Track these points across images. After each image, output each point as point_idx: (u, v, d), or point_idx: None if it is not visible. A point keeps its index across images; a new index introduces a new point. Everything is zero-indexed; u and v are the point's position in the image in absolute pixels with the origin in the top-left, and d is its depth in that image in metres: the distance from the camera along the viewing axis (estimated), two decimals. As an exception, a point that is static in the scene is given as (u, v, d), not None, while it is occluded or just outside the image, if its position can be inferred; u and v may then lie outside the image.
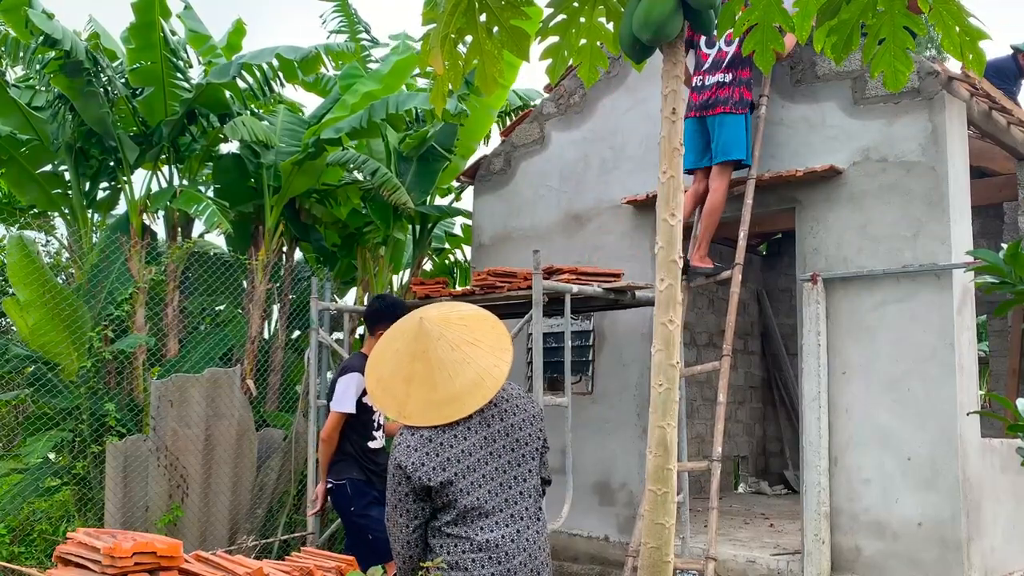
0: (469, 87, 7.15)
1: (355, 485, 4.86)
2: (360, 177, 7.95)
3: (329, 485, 4.97)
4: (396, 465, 2.70)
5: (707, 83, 5.78)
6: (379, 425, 5.05)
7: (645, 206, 6.51)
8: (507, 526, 2.69)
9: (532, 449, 2.81)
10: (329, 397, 5.06)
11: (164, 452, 6.23)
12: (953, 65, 5.81)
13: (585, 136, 7.08)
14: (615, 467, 6.61)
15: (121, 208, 8.24)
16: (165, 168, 8.04)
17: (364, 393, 4.87)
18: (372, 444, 4.97)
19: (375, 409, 4.97)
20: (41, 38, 6.56)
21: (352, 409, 4.83)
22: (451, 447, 2.67)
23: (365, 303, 8.28)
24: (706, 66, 5.80)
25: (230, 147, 8.36)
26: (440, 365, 2.67)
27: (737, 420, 9.70)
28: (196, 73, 7.96)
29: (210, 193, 8.09)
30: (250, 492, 6.70)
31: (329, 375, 7.06)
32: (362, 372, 4.85)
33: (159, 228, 8.04)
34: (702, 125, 5.84)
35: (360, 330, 8.51)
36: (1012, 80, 8.03)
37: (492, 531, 2.68)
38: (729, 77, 5.72)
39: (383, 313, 4.89)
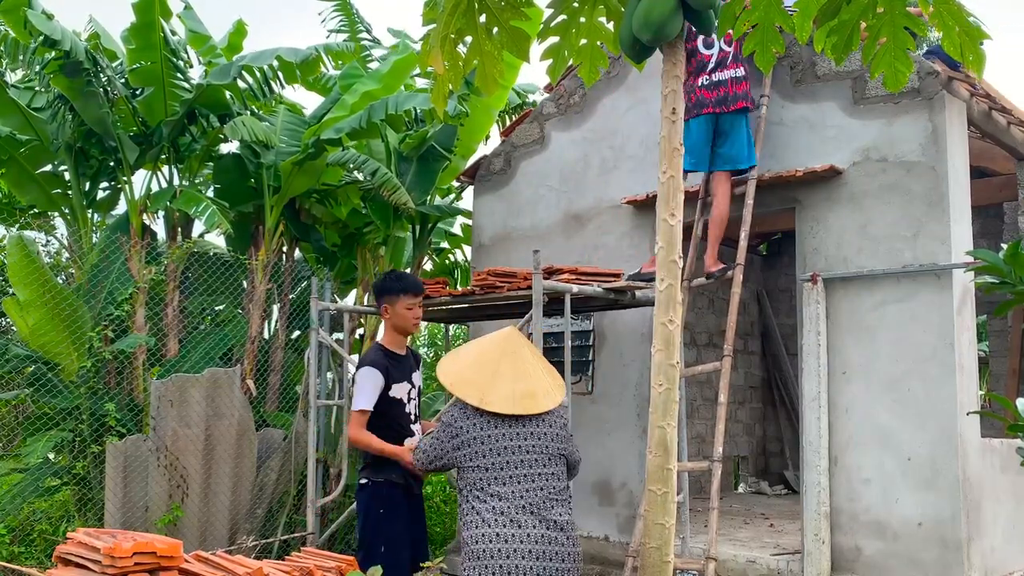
0: (469, 87, 7.14)
1: (391, 490, 4.42)
2: (360, 177, 7.95)
3: (364, 481, 4.52)
4: (450, 416, 3.35)
5: (718, 79, 5.63)
6: (415, 418, 4.61)
7: (645, 206, 6.50)
8: (532, 503, 3.14)
9: (558, 455, 3.32)
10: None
11: (164, 452, 6.23)
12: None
13: (585, 136, 7.08)
14: (615, 467, 6.61)
15: (121, 208, 8.25)
16: (165, 168, 8.05)
17: (388, 388, 4.46)
18: (409, 441, 4.44)
19: (406, 400, 4.55)
20: (41, 38, 6.56)
21: (369, 406, 4.39)
22: (490, 422, 3.25)
23: (365, 303, 8.29)
24: (711, 65, 5.69)
25: (230, 147, 8.37)
26: (524, 365, 3.34)
27: (737, 420, 9.70)
28: (196, 73, 7.98)
29: (210, 193, 8.10)
30: (250, 492, 6.70)
31: (329, 375, 7.06)
32: (374, 365, 4.41)
33: (159, 228, 8.06)
34: (713, 123, 5.68)
35: (360, 331, 8.52)
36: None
37: (523, 502, 3.12)
38: (742, 72, 5.64)
39: (392, 284, 4.62)
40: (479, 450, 3.21)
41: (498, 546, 2.99)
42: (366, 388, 4.39)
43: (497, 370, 3.31)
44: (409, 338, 4.83)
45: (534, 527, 3.05)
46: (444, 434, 3.35)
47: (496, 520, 3.05)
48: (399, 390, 4.50)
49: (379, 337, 4.83)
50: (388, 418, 4.45)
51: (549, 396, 3.34)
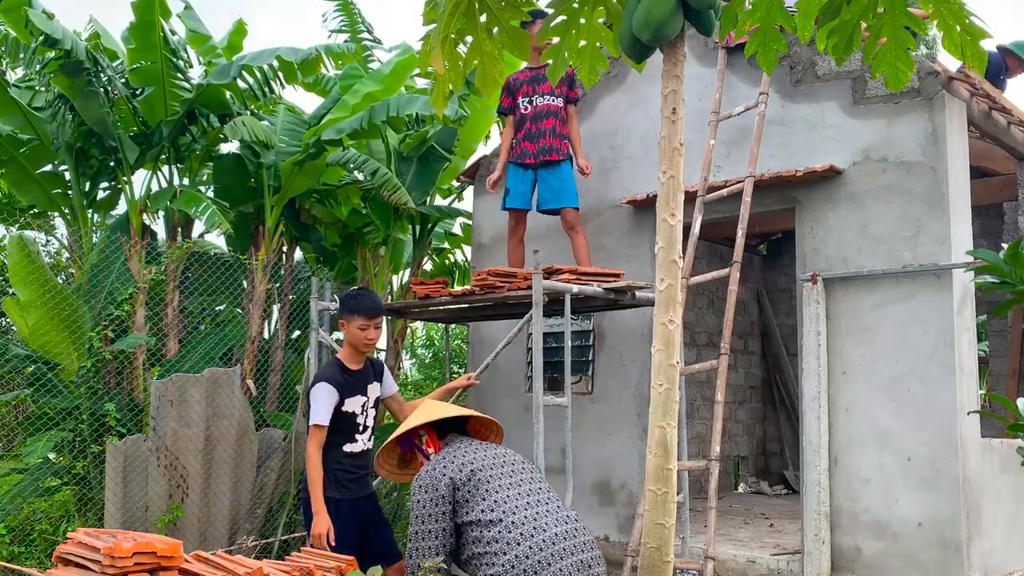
0: (469, 87, 7.14)
1: (334, 505, 4.60)
2: (360, 177, 7.95)
3: (303, 495, 4.72)
4: (419, 487, 3.22)
5: (541, 130, 6.30)
6: (364, 427, 4.80)
7: (645, 206, 6.51)
8: (538, 505, 3.15)
9: (532, 466, 3.43)
10: (305, 412, 4.81)
11: (164, 452, 6.23)
12: (952, 64, 5.81)
13: (585, 136, 7.07)
14: (615, 467, 6.61)
15: (121, 208, 8.25)
16: (165, 168, 8.05)
17: (342, 402, 4.65)
18: (350, 447, 4.72)
19: (358, 412, 4.75)
20: (41, 38, 6.56)
21: (325, 421, 4.58)
22: (466, 454, 3.26)
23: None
24: (536, 115, 6.34)
25: (230, 147, 8.37)
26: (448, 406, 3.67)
27: (737, 420, 9.70)
28: (196, 73, 7.98)
29: (210, 193, 8.10)
30: (250, 492, 6.70)
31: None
32: (331, 382, 4.60)
33: (159, 228, 8.06)
34: (532, 173, 6.38)
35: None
36: (995, 75, 7.98)
37: (525, 511, 3.09)
38: (559, 126, 6.31)
39: (347, 302, 4.80)
40: (473, 492, 3.10)
41: (537, 558, 2.91)
42: (321, 403, 4.59)
43: (434, 404, 3.62)
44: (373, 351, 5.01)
45: (555, 527, 3.05)
46: (426, 509, 3.12)
47: (522, 535, 2.98)
48: (352, 404, 4.72)
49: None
50: (338, 428, 4.67)
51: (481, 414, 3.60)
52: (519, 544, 2.94)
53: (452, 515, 3.09)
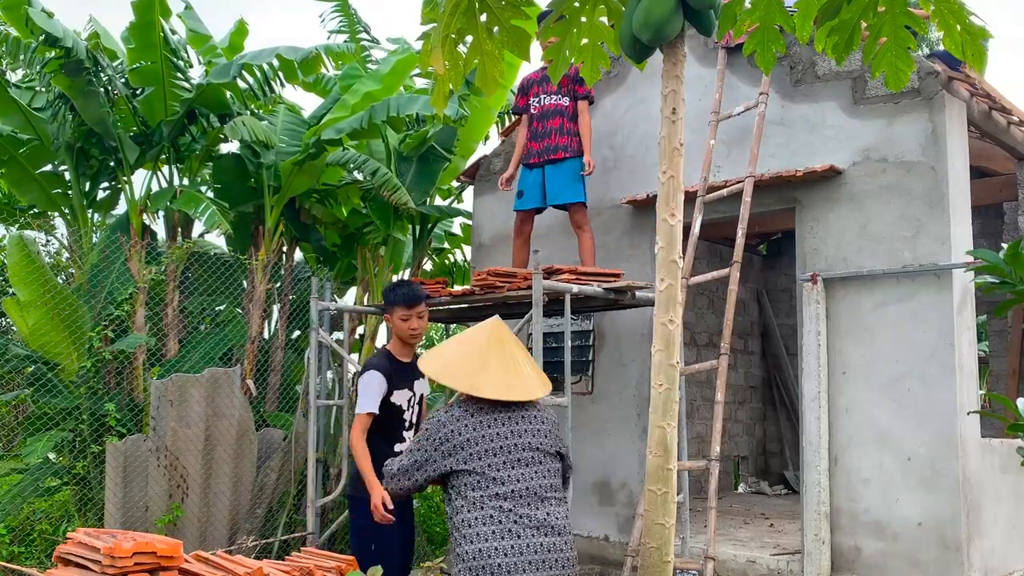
0: (469, 87, 7.14)
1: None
2: (360, 177, 7.95)
3: (354, 495, 4.57)
4: (436, 421, 3.20)
5: (547, 130, 6.35)
6: (410, 425, 4.66)
7: (645, 206, 6.51)
8: (527, 507, 3.09)
9: (553, 453, 3.26)
10: (353, 399, 4.72)
11: (164, 452, 6.23)
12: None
13: (585, 136, 7.07)
14: (615, 467, 6.61)
15: (121, 208, 8.26)
16: (165, 168, 8.05)
17: (390, 393, 4.52)
18: (399, 447, 4.56)
19: (405, 407, 4.62)
20: (42, 36, 6.56)
21: (374, 409, 4.45)
22: (482, 423, 3.17)
23: (365, 303, 8.29)
24: (542, 114, 6.38)
25: (230, 147, 8.38)
26: (510, 355, 3.29)
27: (737, 420, 9.70)
28: (196, 73, 7.98)
29: (210, 193, 8.10)
30: (250, 492, 6.70)
31: (329, 375, 7.05)
32: (381, 370, 4.50)
33: (159, 228, 8.06)
34: (540, 171, 6.41)
35: (360, 330, 8.52)
36: None
37: (510, 511, 3.05)
38: (566, 124, 6.34)
39: (387, 294, 4.70)
40: (473, 452, 3.10)
41: (497, 561, 2.95)
42: (370, 392, 4.47)
43: (486, 360, 3.26)
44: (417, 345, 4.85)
45: (533, 536, 3.01)
46: (428, 441, 3.19)
47: (493, 532, 3.00)
48: (400, 396, 4.58)
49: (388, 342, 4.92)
50: (384, 423, 4.52)
51: (537, 387, 3.31)
52: (486, 540, 2.98)
53: (444, 462, 3.15)
